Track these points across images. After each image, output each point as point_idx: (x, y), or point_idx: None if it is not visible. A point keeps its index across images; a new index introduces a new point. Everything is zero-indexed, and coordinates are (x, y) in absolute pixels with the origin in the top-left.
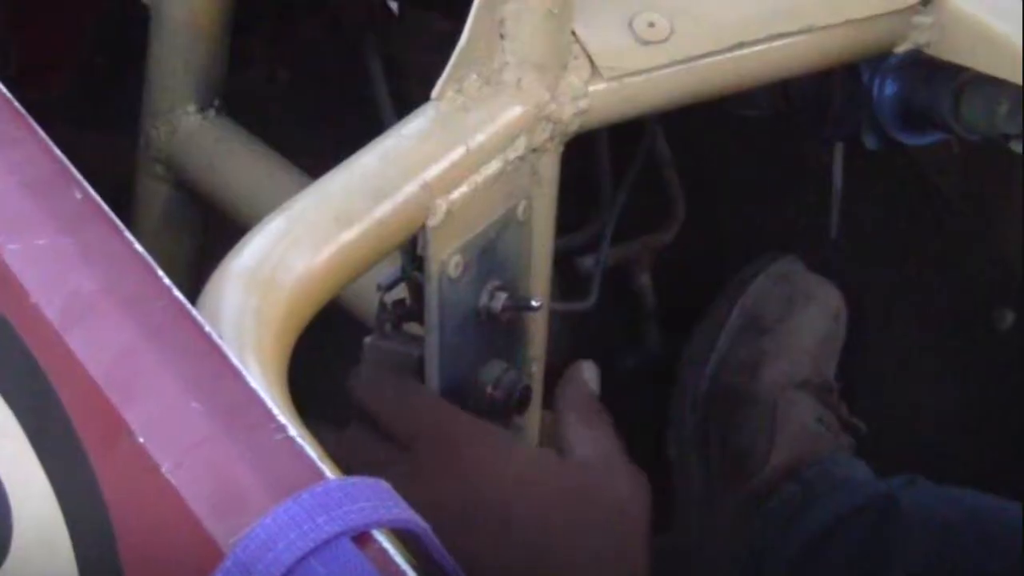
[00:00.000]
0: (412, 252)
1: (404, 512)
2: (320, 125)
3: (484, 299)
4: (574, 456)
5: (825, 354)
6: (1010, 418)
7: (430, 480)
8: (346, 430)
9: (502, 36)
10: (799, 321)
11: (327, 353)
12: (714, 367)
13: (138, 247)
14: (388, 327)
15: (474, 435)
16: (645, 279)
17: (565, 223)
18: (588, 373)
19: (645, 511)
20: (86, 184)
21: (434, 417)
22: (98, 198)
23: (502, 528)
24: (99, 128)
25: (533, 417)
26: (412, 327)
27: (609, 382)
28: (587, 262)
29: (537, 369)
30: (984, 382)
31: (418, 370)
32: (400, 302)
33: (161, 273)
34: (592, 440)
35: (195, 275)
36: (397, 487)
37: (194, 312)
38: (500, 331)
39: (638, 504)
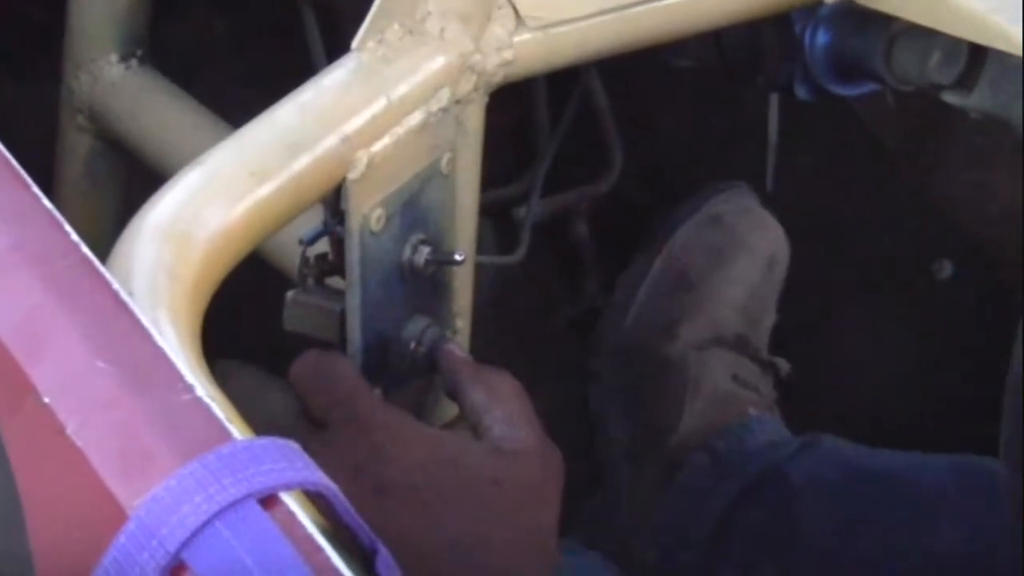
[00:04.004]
0: (334, 206)
1: (312, 474)
2: (257, 77)
3: (407, 253)
4: (489, 437)
5: (757, 302)
6: (947, 368)
7: (339, 460)
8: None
9: None
10: (725, 276)
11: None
12: (632, 321)
13: (46, 202)
14: (310, 282)
15: (385, 421)
16: (583, 229)
17: (503, 174)
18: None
19: (555, 497)
20: None
21: (347, 400)
22: (6, 151)
23: (411, 511)
24: (30, 79)
25: None
26: (335, 281)
27: (547, 334)
28: (523, 213)
29: (462, 324)
30: (923, 332)
31: (340, 325)
32: (322, 256)
33: (69, 229)
34: (505, 420)
35: (118, 227)
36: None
37: (103, 269)
38: (424, 285)
39: (548, 489)
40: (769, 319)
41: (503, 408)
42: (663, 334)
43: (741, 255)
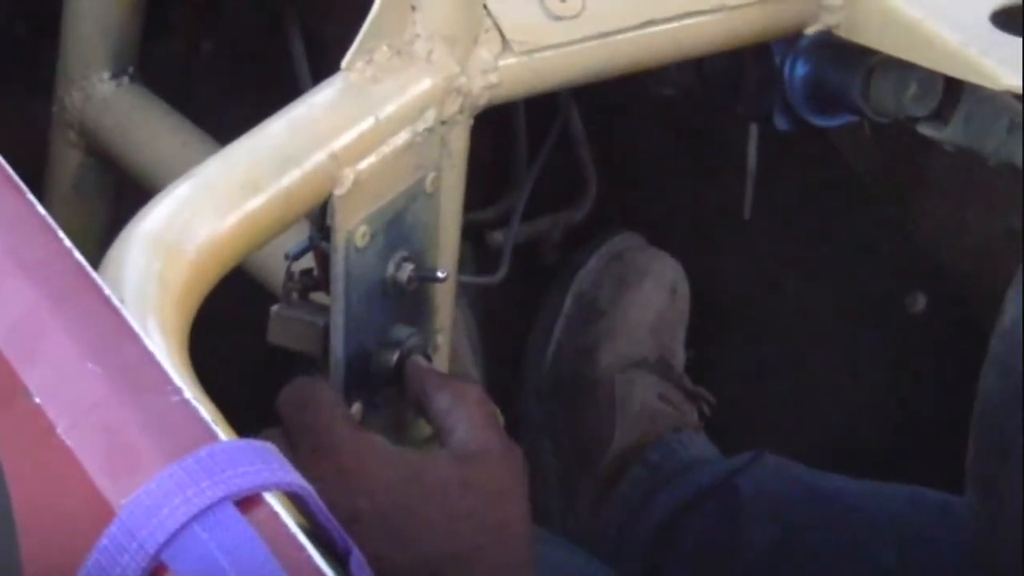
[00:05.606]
0: (320, 221)
1: (288, 475)
2: (242, 98)
3: (391, 269)
4: (452, 443)
5: (665, 327)
6: (919, 401)
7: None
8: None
9: (413, 8)
10: (633, 299)
11: None
12: (552, 357)
13: (40, 209)
14: (295, 296)
15: (354, 448)
16: (555, 256)
17: (480, 199)
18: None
19: (523, 494)
20: None
21: (317, 428)
22: (1, 160)
23: (383, 537)
24: (17, 93)
25: None
26: (319, 296)
27: (519, 360)
28: (498, 237)
29: (443, 340)
30: (896, 365)
31: (323, 339)
32: (307, 271)
33: (63, 235)
34: (468, 422)
35: (106, 243)
36: None
37: (94, 275)
38: (406, 302)
39: (516, 487)
40: (680, 347)
41: (466, 413)
42: (583, 362)
43: (645, 280)
